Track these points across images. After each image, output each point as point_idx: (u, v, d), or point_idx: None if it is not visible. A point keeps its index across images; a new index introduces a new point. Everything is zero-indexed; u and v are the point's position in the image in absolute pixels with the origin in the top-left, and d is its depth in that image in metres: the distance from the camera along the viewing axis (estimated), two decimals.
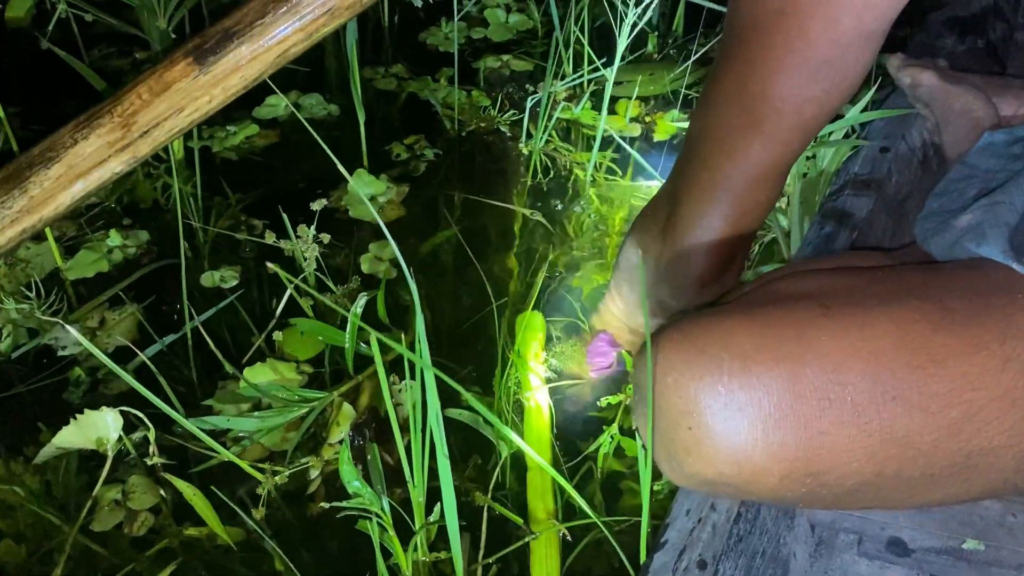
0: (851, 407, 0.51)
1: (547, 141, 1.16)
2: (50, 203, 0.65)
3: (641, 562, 0.65)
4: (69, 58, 1.02)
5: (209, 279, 0.95)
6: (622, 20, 1.02)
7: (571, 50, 1.24)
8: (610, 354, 0.81)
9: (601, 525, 0.70)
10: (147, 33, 1.02)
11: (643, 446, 0.61)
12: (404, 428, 0.64)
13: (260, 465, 0.76)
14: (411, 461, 0.65)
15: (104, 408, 0.74)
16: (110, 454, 0.74)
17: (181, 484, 0.71)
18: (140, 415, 0.73)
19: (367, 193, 1.07)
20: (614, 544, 0.68)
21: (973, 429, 0.52)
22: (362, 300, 0.80)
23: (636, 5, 1.01)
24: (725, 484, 0.54)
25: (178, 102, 0.65)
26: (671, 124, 1.25)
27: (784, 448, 0.52)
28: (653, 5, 0.98)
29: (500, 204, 1.08)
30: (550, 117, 1.16)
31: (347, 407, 0.81)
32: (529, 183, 1.12)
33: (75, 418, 0.74)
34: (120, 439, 0.74)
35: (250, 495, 0.75)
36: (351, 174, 1.08)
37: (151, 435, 0.73)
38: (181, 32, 1.15)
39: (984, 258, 0.58)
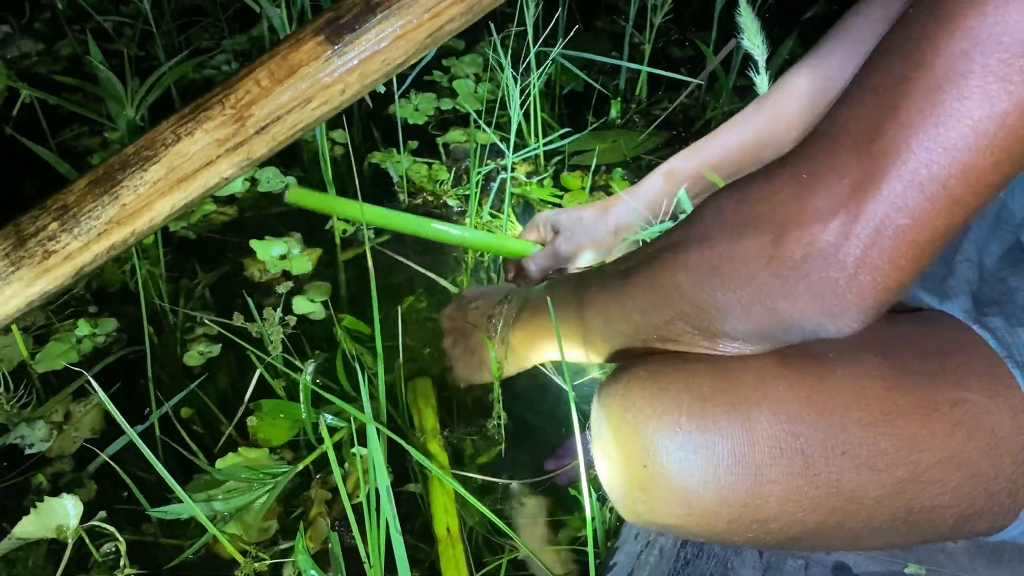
0: (802, 458, 0.53)
1: (495, 216, 1.18)
2: (145, 213, 0.53)
3: None
4: (33, 145, 1.03)
5: (193, 359, 0.96)
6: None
7: (535, 120, 1.27)
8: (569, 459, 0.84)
9: (535, 556, 0.71)
10: (114, 121, 1.03)
11: (597, 482, 0.62)
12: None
13: (244, 547, 0.76)
14: (366, 541, 0.65)
15: (63, 495, 0.74)
16: (70, 541, 0.73)
17: None
18: (111, 528, 0.73)
19: (277, 253, 1.10)
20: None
21: (917, 489, 0.54)
22: (310, 366, 0.81)
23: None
24: (674, 525, 0.55)
25: (305, 91, 0.52)
26: (623, 181, 1.27)
27: (734, 493, 0.53)
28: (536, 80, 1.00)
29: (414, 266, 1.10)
30: (501, 191, 1.18)
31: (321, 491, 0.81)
32: (461, 255, 1.13)
33: (35, 507, 0.73)
34: (79, 527, 0.74)
35: None
36: (307, 257, 1.10)
37: (122, 547, 0.73)
38: (147, 119, 1.16)
39: (945, 312, 0.60)
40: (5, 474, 0.83)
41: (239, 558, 0.75)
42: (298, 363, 0.92)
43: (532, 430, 0.90)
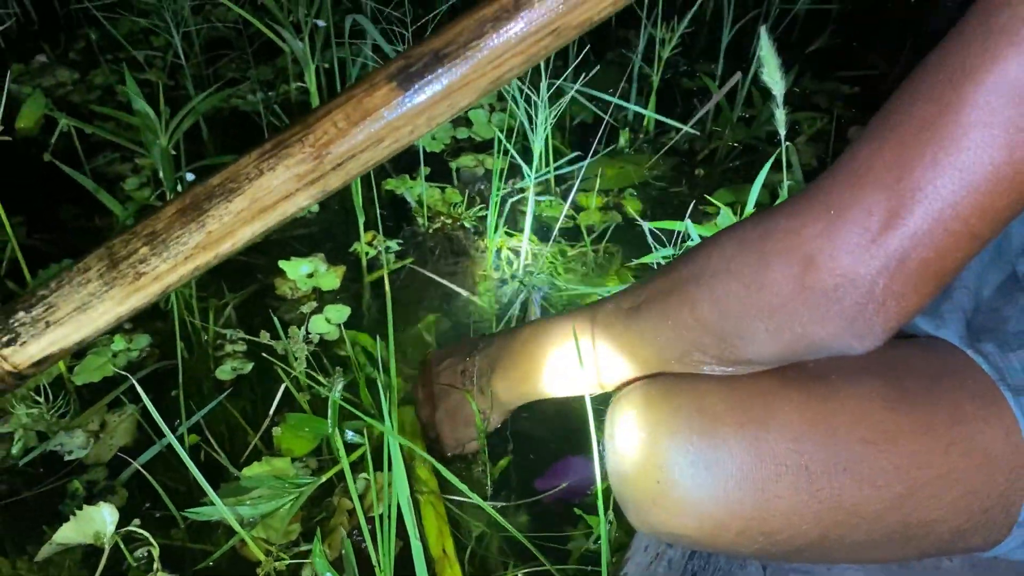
0: (806, 475, 0.56)
1: (511, 235, 1.23)
2: (228, 239, 0.58)
3: None
4: (70, 171, 1.08)
5: (225, 373, 1.01)
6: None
7: (547, 147, 1.32)
8: (567, 476, 0.86)
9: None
10: (147, 149, 1.09)
11: (610, 495, 0.65)
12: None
13: (268, 547, 0.80)
14: (377, 547, 0.68)
15: (101, 503, 0.78)
16: (107, 547, 0.77)
17: None
18: (145, 534, 0.77)
19: (305, 272, 1.16)
20: None
21: (914, 504, 0.57)
22: (339, 383, 0.83)
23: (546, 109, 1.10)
24: (686, 536, 0.59)
25: (377, 132, 0.56)
26: (633, 199, 1.33)
27: (742, 507, 0.56)
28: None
29: (444, 282, 1.15)
30: (514, 212, 1.24)
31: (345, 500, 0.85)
32: (486, 273, 1.19)
33: (74, 515, 0.77)
34: (115, 533, 0.77)
35: None
36: (334, 274, 1.16)
37: (155, 551, 0.77)
38: (178, 147, 1.22)
39: (941, 339, 0.63)
40: (45, 479, 0.88)
41: (262, 558, 0.79)
42: (321, 379, 0.97)
43: (519, 452, 0.93)
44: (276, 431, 0.93)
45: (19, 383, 0.61)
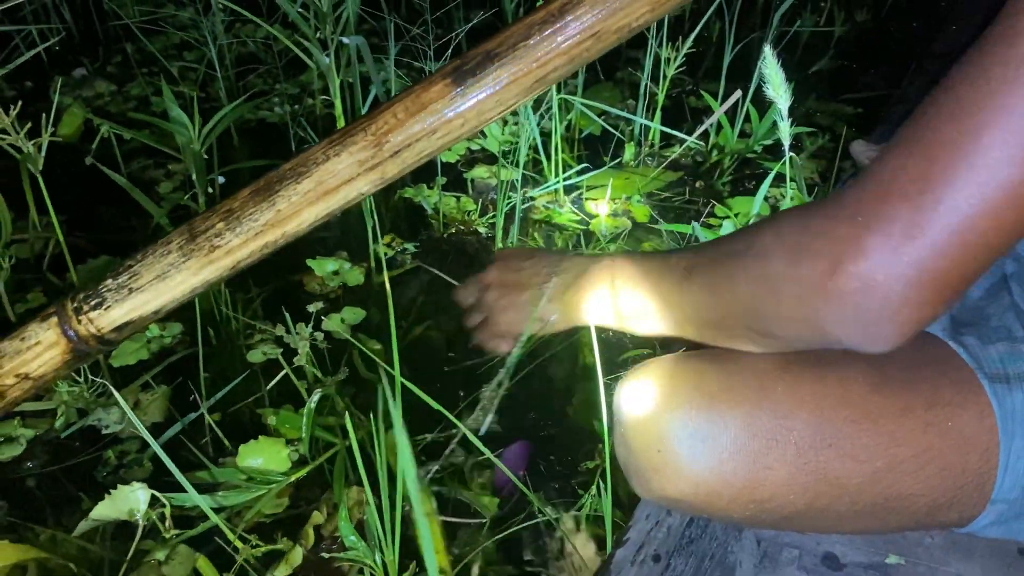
0: (794, 448, 0.61)
1: (523, 241, 1.30)
2: (295, 219, 0.62)
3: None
4: (111, 173, 1.16)
5: (256, 357, 1.09)
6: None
7: (555, 158, 1.39)
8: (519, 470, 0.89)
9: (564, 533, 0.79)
10: (182, 154, 1.17)
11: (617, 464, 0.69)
12: None
13: (247, 535, 0.85)
14: (382, 521, 0.72)
15: (134, 483, 0.84)
16: (141, 523, 0.83)
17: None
18: (161, 497, 0.83)
19: (331, 269, 1.24)
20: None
21: (893, 478, 0.61)
22: (316, 396, 0.90)
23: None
24: (683, 501, 0.64)
25: (432, 124, 0.61)
26: (641, 206, 1.40)
27: (735, 476, 0.61)
28: None
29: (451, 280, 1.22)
30: (524, 219, 1.31)
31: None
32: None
33: (109, 493, 0.83)
34: (148, 511, 0.83)
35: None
36: (358, 271, 1.23)
37: (167, 511, 0.83)
38: (211, 152, 1.30)
39: (926, 331, 0.67)
40: (83, 450, 0.96)
41: (239, 544, 0.82)
42: (320, 375, 1.03)
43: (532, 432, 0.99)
44: (272, 419, 0.99)
45: (101, 348, 0.67)
